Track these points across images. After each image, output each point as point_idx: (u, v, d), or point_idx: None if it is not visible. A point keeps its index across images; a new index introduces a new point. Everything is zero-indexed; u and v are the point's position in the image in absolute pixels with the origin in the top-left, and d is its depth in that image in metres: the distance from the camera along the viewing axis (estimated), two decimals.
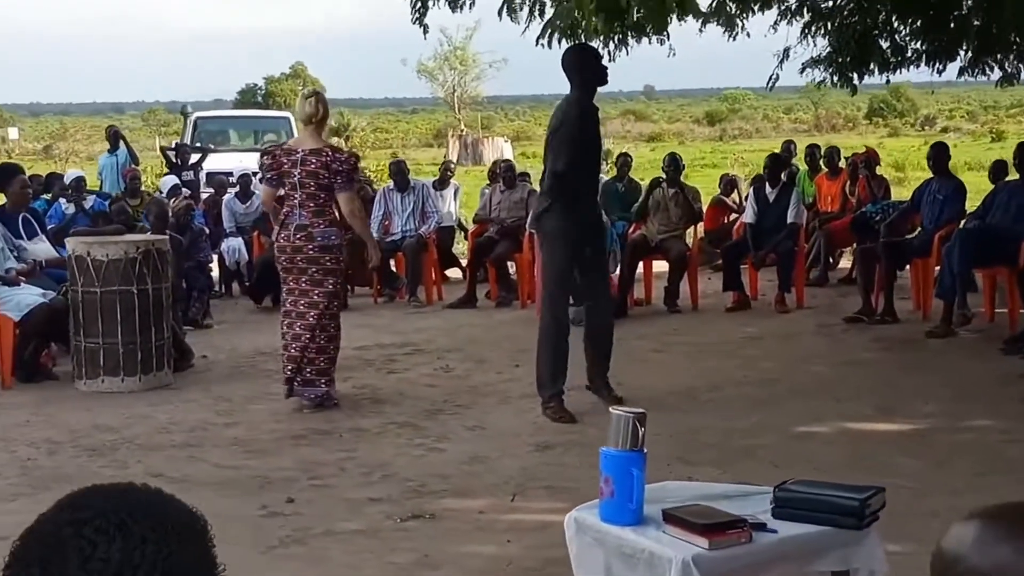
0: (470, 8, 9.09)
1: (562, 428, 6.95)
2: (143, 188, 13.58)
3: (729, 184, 14.03)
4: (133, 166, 14.07)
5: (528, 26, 9.45)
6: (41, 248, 9.36)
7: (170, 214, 10.42)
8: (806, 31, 11.36)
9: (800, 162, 14.05)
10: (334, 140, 51.50)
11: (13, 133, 61.11)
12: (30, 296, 8.40)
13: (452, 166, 14.42)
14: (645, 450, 3.46)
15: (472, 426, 7.14)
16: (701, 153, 40.27)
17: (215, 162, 17.01)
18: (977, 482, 5.81)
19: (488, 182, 13.50)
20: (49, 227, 10.68)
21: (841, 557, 3.41)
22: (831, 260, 12.80)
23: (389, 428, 7.12)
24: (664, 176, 11.68)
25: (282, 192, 7.79)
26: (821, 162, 13.51)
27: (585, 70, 7.23)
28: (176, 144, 15.03)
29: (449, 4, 8.02)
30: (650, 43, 9.08)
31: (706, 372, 8.49)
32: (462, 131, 50.76)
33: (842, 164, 13.22)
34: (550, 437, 6.77)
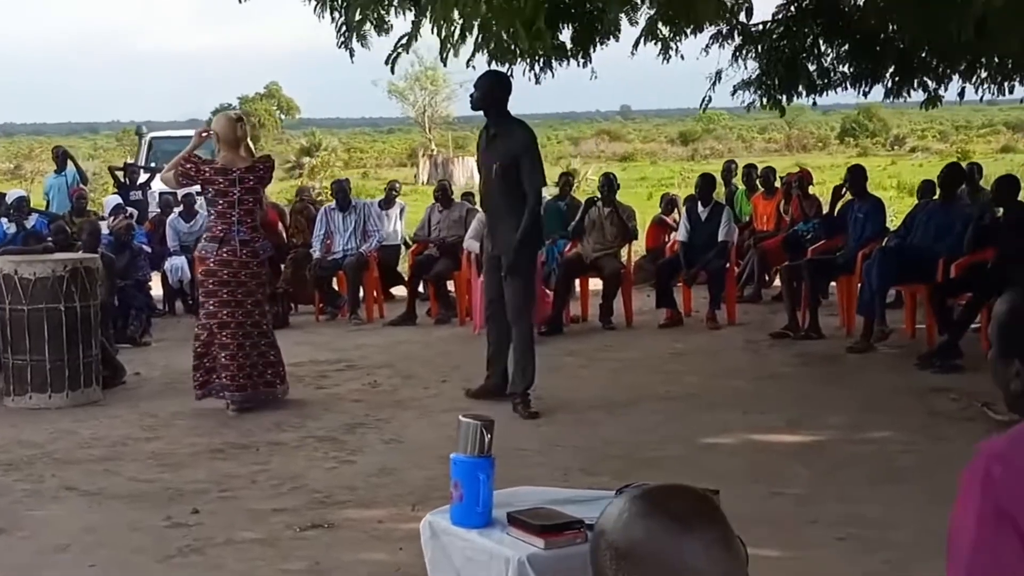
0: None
1: None
2: (90, 208, 13.69)
3: (669, 203, 14.22)
4: (80, 185, 14.19)
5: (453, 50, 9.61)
6: None
7: (104, 233, 10.54)
8: (737, 54, 11.58)
9: (738, 182, 14.28)
10: (305, 160, 51.75)
11: None
12: None
13: (397, 186, 14.56)
14: (493, 456, 3.62)
15: (388, 439, 7.29)
16: (671, 173, 40.57)
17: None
18: (866, 490, 6.00)
19: (434, 201, 13.67)
20: None
21: None
22: (766, 278, 13.01)
23: (307, 442, 7.26)
24: (599, 195, 11.87)
25: (212, 210, 8.09)
26: (758, 182, 13.73)
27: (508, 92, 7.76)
28: (125, 164, 15.15)
29: (375, 28, 8.18)
30: (578, 66, 9.28)
31: (627, 387, 8.66)
32: (432, 151, 50.98)
33: (778, 184, 13.45)
34: None
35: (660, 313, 11.45)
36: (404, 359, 9.94)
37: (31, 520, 5.80)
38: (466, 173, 37.37)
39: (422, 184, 39.51)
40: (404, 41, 4.94)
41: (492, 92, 7.72)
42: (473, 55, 9.50)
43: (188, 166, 8.10)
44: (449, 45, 5.73)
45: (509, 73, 9.30)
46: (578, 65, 9.43)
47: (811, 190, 12.94)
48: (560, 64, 9.25)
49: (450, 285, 12.27)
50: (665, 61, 11.28)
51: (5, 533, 5.61)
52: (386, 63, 5.08)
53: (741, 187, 14.07)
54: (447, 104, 61.65)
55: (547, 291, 11.39)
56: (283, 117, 76.15)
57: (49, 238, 11.14)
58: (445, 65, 5.82)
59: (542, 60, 9.22)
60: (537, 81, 9.32)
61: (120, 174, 14.78)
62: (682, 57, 11.44)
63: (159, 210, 13.86)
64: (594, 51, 9.86)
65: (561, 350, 10.23)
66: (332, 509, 5.86)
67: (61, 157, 14.97)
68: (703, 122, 66.20)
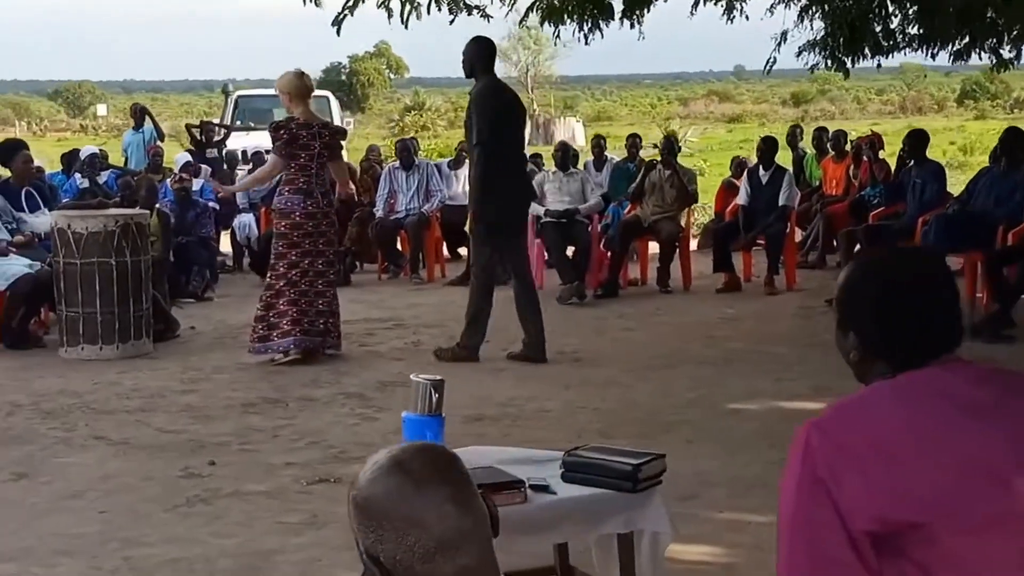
0: None
1: (497, 401, 7.17)
2: (165, 165, 13.98)
3: (739, 167, 14.05)
4: (157, 143, 14.48)
5: (511, 9, 9.61)
6: (41, 221, 9.75)
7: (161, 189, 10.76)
8: (803, 14, 11.40)
9: (808, 145, 14.08)
10: (408, 118, 52.15)
11: (102, 110, 62.93)
12: (16, 266, 8.79)
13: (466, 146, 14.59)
14: (443, 414, 3.67)
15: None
16: (778, 135, 39.97)
17: (257, 139, 17.35)
18: None
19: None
20: (64, 200, 11.13)
21: (625, 519, 3.59)
22: (833, 243, 12.82)
23: (337, 398, 7.38)
24: (660, 158, 11.80)
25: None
26: (828, 146, 13.52)
27: (489, 58, 8.02)
28: (201, 122, 15.44)
29: None
30: (621, 27, 9.23)
31: (667, 351, 8.63)
32: (535, 111, 50.91)
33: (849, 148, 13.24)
34: (484, 410, 6.99)
35: (719, 277, 11.37)
36: (453, 319, 9.95)
37: (54, 467, 6.01)
38: (568, 133, 37.21)
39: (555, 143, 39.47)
40: (351, 3, 4.93)
41: (472, 57, 7.96)
42: (526, 15, 9.53)
43: (280, 131, 8.21)
44: (408, 6, 5.70)
45: (556, 34, 9.31)
46: (630, 27, 9.35)
47: (882, 154, 12.69)
48: (607, 25, 9.18)
49: None
50: (729, 22, 11.17)
51: (27, 478, 5.82)
52: (332, 24, 5.10)
53: (811, 151, 13.86)
54: (550, 63, 61.54)
55: (607, 253, 11.41)
56: (392, 76, 76.57)
57: (119, 194, 11.46)
58: (406, 27, 5.80)
59: (590, 21, 9.16)
60: (586, 42, 9.29)
61: (197, 132, 15.06)
62: (747, 18, 11.32)
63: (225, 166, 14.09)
64: (648, 12, 9.79)
65: (612, 312, 10.24)
66: (343, 464, 5.95)
67: (139, 114, 15.29)
68: (818, 82, 64.78)
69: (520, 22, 9.23)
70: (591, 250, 11.19)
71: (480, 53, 8.00)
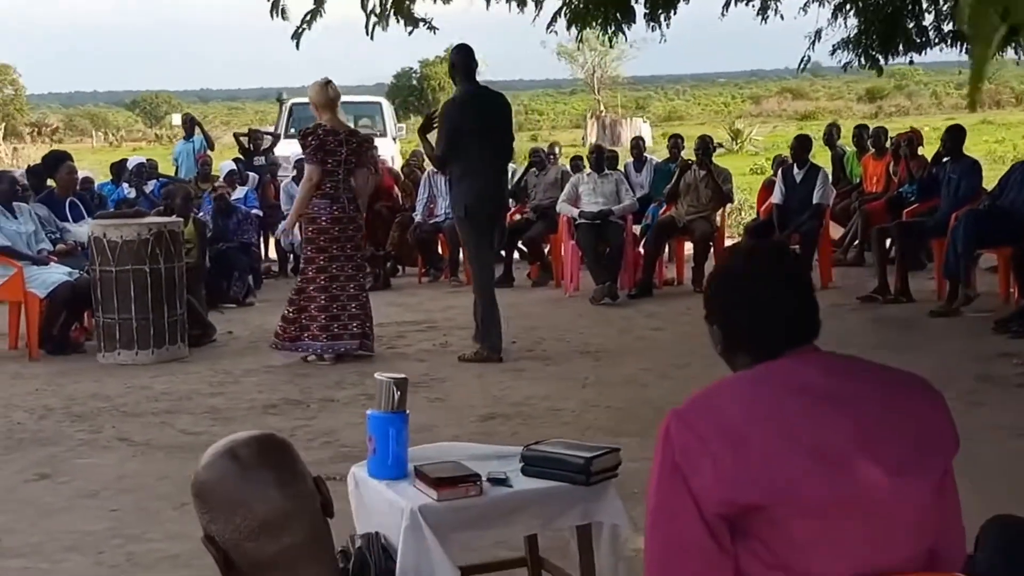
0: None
1: (512, 400, 7.29)
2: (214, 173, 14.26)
3: (781, 165, 14.03)
4: (206, 152, 14.78)
5: (538, 14, 9.73)
6: (84, 230, 10.02)
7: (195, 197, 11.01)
8: (837, 12, 11.40)
9: (848, 143, 14.04)
10: None
11: (176, 119, 63.75)
12: (56, 275, 9.07)
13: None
14: (407, 411, 3.80)
15: (434, 398, 7.52)
16: (846, 132, 39.67)
17: None
18: None
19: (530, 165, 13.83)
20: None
21: (581, 512, 3.69)
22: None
23: (358, 399, 7.53)
24: (695, 158, 11.86)
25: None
26: (868, 142, 13.47)
27: (467, 65, 8.45)
28: (249, 130, 15.73)
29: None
30: (648, 30, 9.32)
31: (689, 351, 8.65)
32: (600, 112, 50.86)
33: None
34: (498, 409, 7.11)
35: None
36: None
37: (75, 467, 6.22)
38: (634, 133, 37.14)
39: (589, 145, 39.64)
40: (308, 17, 5.06)
41: (453, 64, 8.56)
42: (553, 20, 9.64)
43: (310, 139, 8.45)
44: (375, 17, 5.84)
45: (579, 37, 9.43)
46: (652, 29, 9.44)
47: (921, 151, 12.63)
48: (628, 28, 9.27)
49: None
50: (763, 21, 11.20)
51: (48, 478, 6.04)
52: (292, 38, 5.24)
53: (851, 148, 13.82)
54: (616, 64, 61.46)
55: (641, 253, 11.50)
56: None
57: (163, 203, 11.73)
58: (372, 39, 5.97)
59: (613, 25, 9.25)
60: (610, 44, 9.37)
61: (245, 140, 15.34)
62: (781, 17, 11.34)
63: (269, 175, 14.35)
64: (674, 14, 9.85)
65: (642, 312, 10.32)
66: (350, 463, 6.07)
67: (189, 124, 15.62)
68: (896, 77, 63.76)
69: (548, 27, 9.33)
70: (624, 251, 11.26)
71: (459, 61, 8.50)
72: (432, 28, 6.39)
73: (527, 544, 4.09)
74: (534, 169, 12.66)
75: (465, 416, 6.99)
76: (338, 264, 8.41)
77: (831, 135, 14.31)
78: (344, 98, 27.60)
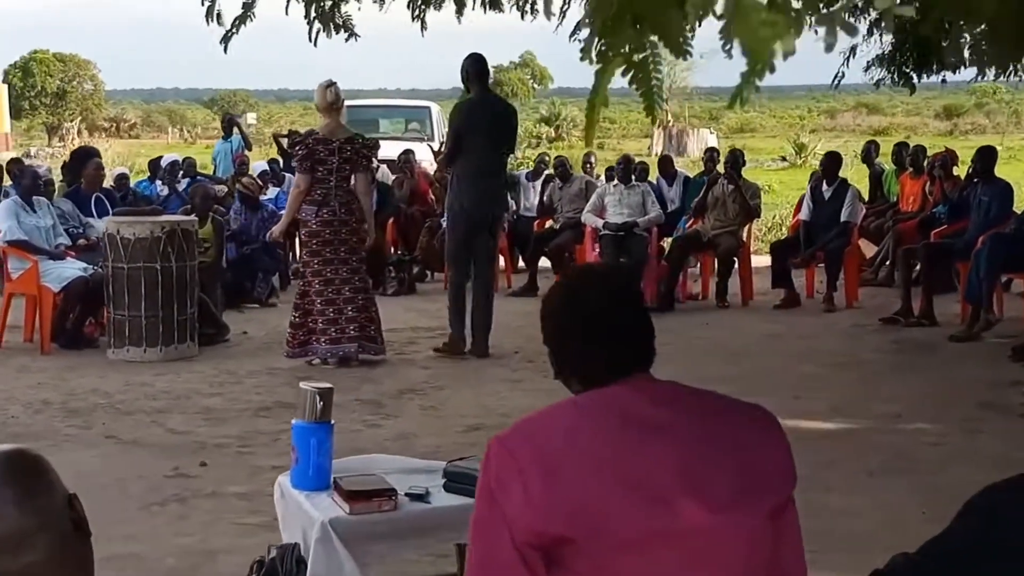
0: None
1: (502, 411, 7.22)
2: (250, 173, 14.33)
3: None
4: (244, 151, 14.88)
5: (560, 23, 9.65)
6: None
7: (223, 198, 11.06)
8: (872, 28, 11.19)
9: (887, 161, 13.83)
10: (543, 129, 52.43)
11: (251, 118, 64.70)
12: (70, 270, 9.15)
13: (547, 159, 14.70)
14: (331, 421, 3.76)
15: (428, 406, 7.49)
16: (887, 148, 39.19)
17: None
18: (859, 481, 5.85)
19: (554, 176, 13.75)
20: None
21: None
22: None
23: (352, 404, 7.49)
24: (723, 171, 11.73)
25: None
26: (907, 161, 13.25)
27: (478, 73, 8.73)
28: (289, 131, 15.79)
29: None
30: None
31: (694, 366, 8.52)
32: (667, 121, 50.60)
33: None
34: (486, 420, 7.05)
35: (779, 293, 11.24)
36: (499, 329, 10.03)
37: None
38: (700, 144, 36.97)
39: (655, 155, 39.44)
40: (237, 22, 5.03)
41: (464, 72, 8.78)
42: (575, 30, 9.55)
43: (298, 148, 8.51)
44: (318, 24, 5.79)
45: (601, 46, 9.33)
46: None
47: (956, 171, 12.41)
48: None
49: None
50: (797, 36, 11.02)
51: None
52: (220, 43, 5.22)
53: (889, 167, 13.61)
54: (686, 75, 61.11)
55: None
56: (536, 86, 77.06)
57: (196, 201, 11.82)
58: (315, 45, 5.92)
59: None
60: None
61: (284, 141, 15.41)
62: (816, 32, 11.14)
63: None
64: (699, 26, 9.71)
65: (658, 326, 10.08)
66: None
67: (228, 124, 15.75)
68: (976, 95, 62.69)
69: (571, 37, 9.23)
70: (646, 264, 11.14)
71: (469, 68, 8.73)
72: (354, 35, 6.34)
73: (458, 557, 4.03)
74: (556, 181, 12.59)
75: (451, 426, 6.95)
76: (332, 267, 8.40)
77: (869, 152, 14.11)
78: (393, 102, 27.73)
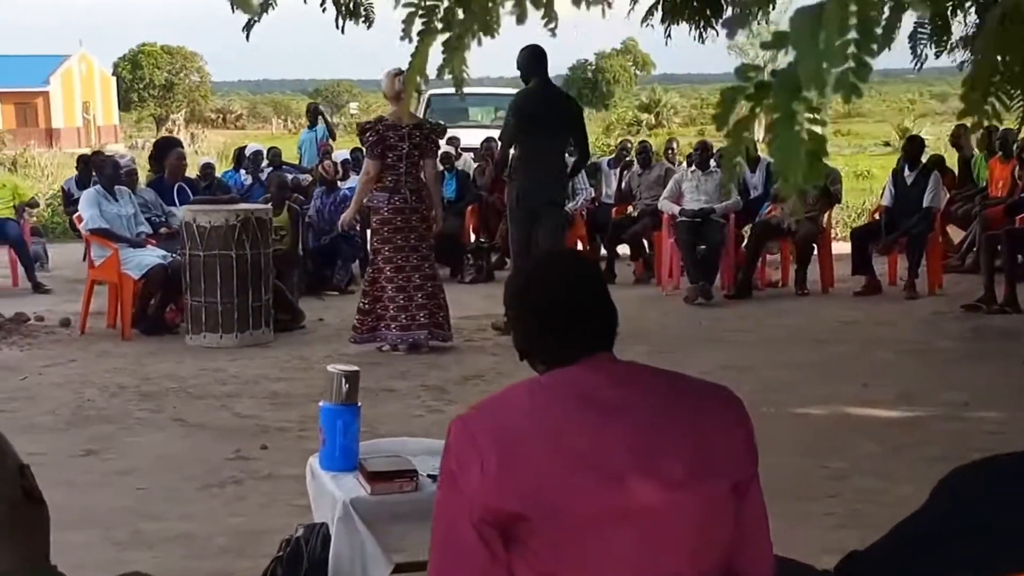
0: None
1: None
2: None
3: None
4: (328, 140, 15.07)
5: (632, 8, 9.61)
6: None
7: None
8: (956, 9, 10.96)
9: (977, 147, 13.53)
10: (643, 116, 52.16)
11: (354, 107, 65.67)
12: (150, 257, 9.37)
13: (628, 145, 14.67)
14: (358, 403, 3.81)
15: (486, 392, 7.51)
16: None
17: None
18: (920, 470, 5.74)
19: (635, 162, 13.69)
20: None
21: None
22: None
23: (416, 390, 7.59)
24: None
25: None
26: (996, 145, 12.94)
27: (537, 64, 8.72)
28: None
29: None
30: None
31: (761, 355, 8.49)
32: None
33: None
34: None
35: (860, 280, 11.09)
36: None
37: (123, 445, 6.42)
38: None
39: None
40: (261, 10, 5.06)
41: (521, 63, 8.71)
42: (648, 14, 9.52)
43: (368, 134, 8.59)
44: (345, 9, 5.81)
45: (667, 34, 9.30)
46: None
47: None
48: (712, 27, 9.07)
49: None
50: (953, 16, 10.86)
51: (94, 454, 6.25)
52: (243, 30, 5.25)
53: (978, 152, 13.31)
54: (787, 58, 60.23)
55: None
56: (639, 73, 76.65)
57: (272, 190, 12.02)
58: (343, 32, 5.94)
59: (702, 21, 9.07)
60: (701, 40, 9.20)
61: None
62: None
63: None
64: (771, 9, 9.61)
65: (733, 314, 10.14)
66: None
67: (313, 114, 15.97)
68: None
69: (643, 21, 9.20)
70: (722, 250, 11.05)
71: (526, 60, 8.71)
72: (368, 21, 6.38)
73: None
74: (636, 167, 12.54)
75: None
76: (403, 254, 8.47)
77: (958, 137, 13.81)
78: (483, 90, 27.42)
